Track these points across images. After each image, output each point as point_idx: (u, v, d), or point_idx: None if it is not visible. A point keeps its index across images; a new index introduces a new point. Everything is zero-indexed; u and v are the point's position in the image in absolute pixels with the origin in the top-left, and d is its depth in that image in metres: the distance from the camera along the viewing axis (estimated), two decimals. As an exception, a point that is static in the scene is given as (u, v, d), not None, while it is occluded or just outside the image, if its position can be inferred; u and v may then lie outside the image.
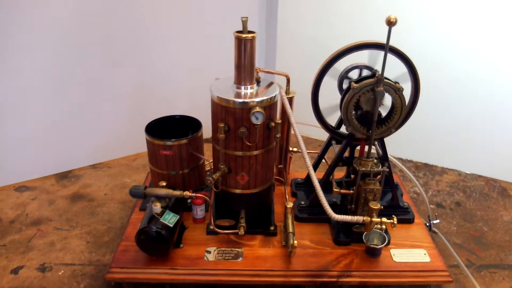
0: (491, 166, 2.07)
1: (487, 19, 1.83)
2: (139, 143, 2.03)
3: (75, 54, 1.83)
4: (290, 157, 1.67)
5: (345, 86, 1.41)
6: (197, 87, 2.05)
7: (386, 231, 1.36)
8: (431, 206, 1.82)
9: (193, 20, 2.03)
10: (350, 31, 2.06)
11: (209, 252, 1.33)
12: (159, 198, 1.33)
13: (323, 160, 1.57)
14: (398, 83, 1.25)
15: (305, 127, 2.13)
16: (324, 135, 1.52)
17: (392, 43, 1.17)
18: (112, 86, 1.98)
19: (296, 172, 1.88)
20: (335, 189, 1.32)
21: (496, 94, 1.94)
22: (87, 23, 1.80)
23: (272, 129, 1.26)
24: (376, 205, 1.22)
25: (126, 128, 2.10)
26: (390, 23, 1.13)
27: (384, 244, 1.31)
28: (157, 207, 1.28)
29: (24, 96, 1.79)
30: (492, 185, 2.02)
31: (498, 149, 2.02)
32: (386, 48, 1.16)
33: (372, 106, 1.26)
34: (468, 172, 2.12)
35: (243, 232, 1.31)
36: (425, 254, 1.34)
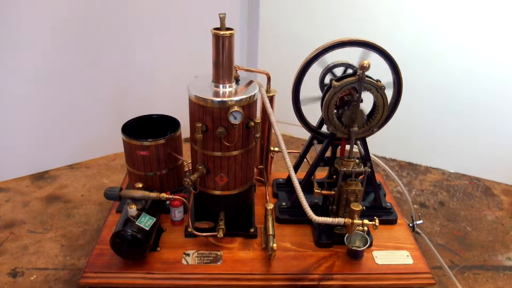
0: (475, 165, 2.07)
1: (473, 16, 1.82)
2: (118, 143, 1.96)
3: (52, 53, 1.78)
4: (272, 157, 1.64)
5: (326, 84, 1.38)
6: (177, 85, 2.01)
7: (368, 232, 1.34)
8: (415, 206, 1.80)
9: (173, 17, 1.99)
10: (334, 28, 2.03)
11: (187, 255, 1.29)
12: (134, 200, 1.28)
13: (305, 160, 1.54)
14: (380, 81, 1.22)
15: (288, 126, 2.10)
16: (307, 134, 1.49)
17: (376, 38, 1.14)
18: (90, 84, 1.93)
19: (279, 172, 1.85)
20: (316, 190, 1.30)
21: (480, 94, 1.93)
22: (65, 22, 1.76)
23: (252, 129, 1.22)
24: (357, 207, 1.20)
25: (105, 127, 2.05)
26: (364, 68, 1.15)
27: (366, 246, 1.29)
28: (132, 209, 1.23)
29: (-3, 95, 1.74)
30: (475, 184, 2.01)
31: (482, 147, 2.02)
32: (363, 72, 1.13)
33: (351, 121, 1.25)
34: (451, 171, 2.11)
35: (222, 235, 1.27)
36: (407, 255, 1.31)
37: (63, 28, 1.76)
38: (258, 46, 2.26)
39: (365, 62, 1.13)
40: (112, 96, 2.00)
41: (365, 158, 1.37)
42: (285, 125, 2.00)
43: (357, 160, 1.29)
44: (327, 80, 1.41)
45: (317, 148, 1.47)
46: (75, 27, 1.78)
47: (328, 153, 1.41)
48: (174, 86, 2.09)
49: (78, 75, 1.88)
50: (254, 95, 1.20)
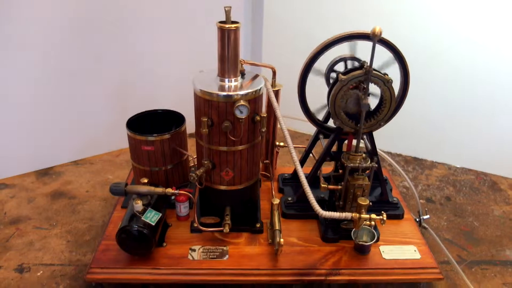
0: (481, 160, 2.05)
1: (482, 10, 1.80)
2: (122, 138, 1.96)
3: (55, 48, 1.77)
4: (277, 152, 1.63)
5: (332, 79, 1.37)
6: (181, 80, 2.00)
7: (375, 227, 1.33)
8: (421, 201, 1.79)
9: (176, 11, 1.98)
10: (340, 21, 2.02)
11: (193, 250, 1.29)
12: (140, 195, 1.28)
13: (311, 155, 1.53)
14: (387, 75, 1.21)
15: (292, 121, 2.09)
16: (312, 129, 1.48)
17: (383, 32, 1.12)
18: (94, 80, 1.92)
19: (284, 167, 1.84)
20: (322, 185, 1.29)
21: (487, 88, 1.91)
22: (68, 18, 1.74)
23: (257, 123, 1.22)
24: (365, 201, 1.19)
25: (109, 123, 2.04)
26: (375, 35, 1.11)
27: (373, 241, 1.28)
28: (138, 205, 1.23)
29: (1, 93, 1.73)
30: (482, 179, 1.99)
31: (488, 142, 2.00)
32: (374, 40, 1.12)
33: (357, 108, 1.23)
34: (458, 166, 2.09)
35: (228, 230, 1.27)
36: (415, 250, 1.30)
37: (66, 23, 1.75)
38: (262, 40, 2.24)
39: (377, 29, 1.09)
40: (115, 92, 2.00)
41: (372, 152, 1.36)
42: (289, 119, 1.98)
43: (364, 155, 1.28)
44: (333, 74, 1.40)
45: (323, 142, 1.46)
46: (79, 22, 1.77)
47: (334, 148, 1.40)
48: (178, 81, 2.08)
49: (81, 71, 1.87)
50: (260, 89, 1.20)
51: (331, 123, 1.37)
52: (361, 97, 1.20)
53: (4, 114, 1.77)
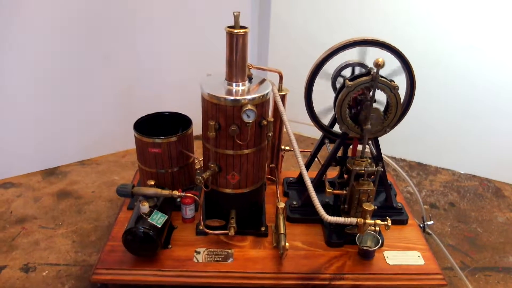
0: (486, 166, 2.05)
1: (485, 17, 1.80)
2: (128, 139, 1.98)
3: (62, 49, 1.78)
4: (282, 156, 1.64)
5: (339, 84, 1.37)
6: (188, 82, 2.01)
7: (379, 232, 1.33)
8: (425, 206, 1.79)
9: (184, 14, 1.99)
10: (346, 26, 2.02)
11: (198, 253, 1.29)
12: (147, 197, 1.29)
13: (316, 159, 1.54)
14: (393, 81, 1.22)
15: (298, 125, 2.09)
16: (317, 133, 1.49)
17: (388, 37, 1.13)
18: (101, 80, 1.93)
19: (289, 171, 1.85)
20: (328, 190, 1.29)
21: (491, 94, 1.91)
22: (74, 19, 1.76)
23: (264, 128, 1.22)
24: (370, 207, 1.19)
25: (116, 124, 2.05)
26: (378, 66, 1.14)
27: (377, 246, 1.28)
28: (145, 206, 1.24)
29: (9, 92, 1.74)
30: (486, 185, 1.99)
31: (493, 149, 2.00)
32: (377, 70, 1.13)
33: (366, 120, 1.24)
34: (462, 172, 2.10)
35: (233, 233, 1.28)
36: (419, 256, 1.31)
37: (74, 25, 1.76)
38: (269, 44, 2.25)
39: (380, 60, 1.12)
40: (122, 92, 2.01)
41: (377, 158, 1.37)
42: (294, 124, 1.99)
43: (369, 160, 1.28)
44: (339, 79, 1.41)
45: (328, 147, 1.46)
46: (86, 24, 1.78)
47: (339, 153, 1.40)
48: (185, 83, 2.09)
49: (88, 71, 1.88)
50: (267, 94, 1.20)
51: (336, 128, 1.37)
52: (363, 120, 1.22)
53: (11, 113, 1.78)
